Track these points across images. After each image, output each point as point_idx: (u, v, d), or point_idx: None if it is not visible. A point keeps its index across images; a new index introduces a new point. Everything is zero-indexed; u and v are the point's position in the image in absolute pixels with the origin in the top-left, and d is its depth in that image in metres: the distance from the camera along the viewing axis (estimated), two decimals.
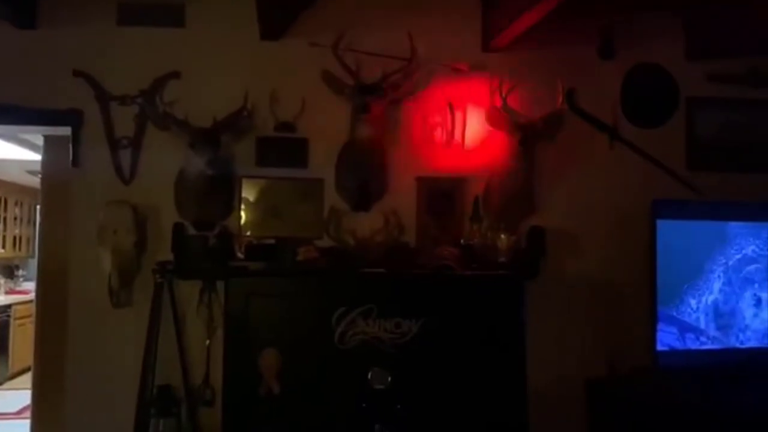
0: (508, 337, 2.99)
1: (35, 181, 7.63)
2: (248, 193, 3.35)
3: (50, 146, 3.85)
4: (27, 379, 7.39)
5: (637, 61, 3.59)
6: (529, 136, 3.23)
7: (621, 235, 3.50)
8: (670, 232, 3.32)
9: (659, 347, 3.27)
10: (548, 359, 3.32)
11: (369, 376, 2.87)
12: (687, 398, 3.17)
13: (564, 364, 3.41)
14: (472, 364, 2.97)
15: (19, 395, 6.73)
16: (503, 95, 3.27)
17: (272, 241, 3.18)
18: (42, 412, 3.79)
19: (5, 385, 7.59)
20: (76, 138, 3.28)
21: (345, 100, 3.26)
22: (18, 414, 6.33)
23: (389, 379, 2.87)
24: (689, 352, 3.37)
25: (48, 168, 3.91)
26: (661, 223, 3.30)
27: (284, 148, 3.37)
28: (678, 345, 3.35)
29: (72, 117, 3.28)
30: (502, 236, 3.23)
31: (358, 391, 2.86)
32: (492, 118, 3.35)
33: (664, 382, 3.27)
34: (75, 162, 3.29)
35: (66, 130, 3.32)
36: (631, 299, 3.47)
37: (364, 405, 2.84)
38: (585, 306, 3.47)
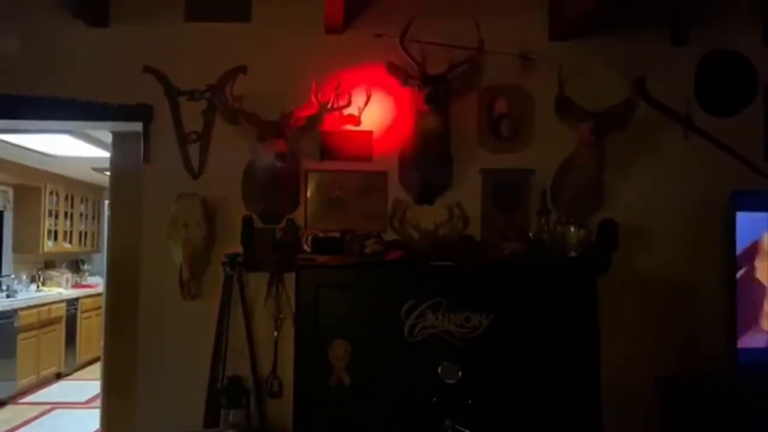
0: (581, 332, 2.92)
1: (101, 179, 7.89)
2: (313, 186, 3.36)
3: (118, 142, 3.93)
4: (93, 369, 7.69)
5: (712, 48, 3.46)
6: (599, 127, 3.13)
7: (696, 228, 3.39)
8: (750, 224, 3.18)
9: (740, 345, 3.14)
10: (618, 355, 3.22)
11: (439, 370, 2.85)
12: (766, 398, 3.03)
13: (635, 360, 3.30)
14: (544, 359, 2.92)
15: (87, 385, 6.99)
16: (571, 84, 3.19)
17: (337, 234, 3.18)
18: (112, 402, 3.88)
19: (73, 376, 7.87)
20: (146, 133, 3.35)
21: (410, 91, 3.22)
22: (87, 403, 6.54)
23: (459, 373, 2.85)
24: None
25: (116, 163, 3.99)
26: (741, 216, 3.16)
27: (349, 142, 3.37)
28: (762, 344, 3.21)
29: (142, 112, 3.35)
30: (572, 230, 3.14)
31: (428, 385, 2.84)
32: (560, 108, 3.27)
33: (744, 380, 3.14)
34: (146, 157, 3.35)
35: (134, 126, 3.39)
36: (708, 295, 3.35)
37: (434, 399, 2.82)
38: (657, 302, 3.36)
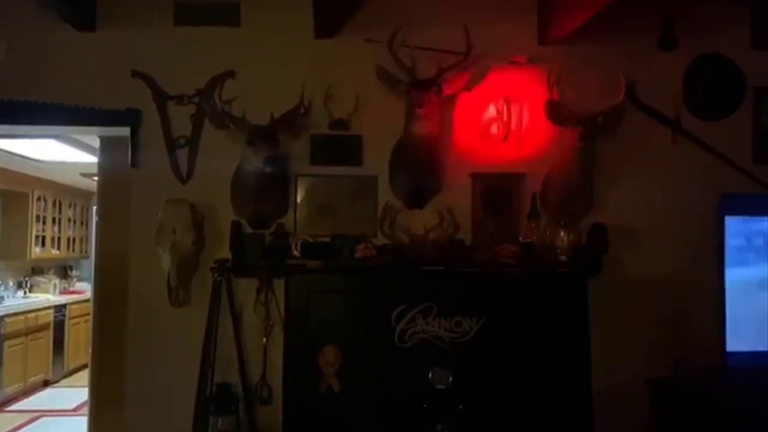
0: (572, 336, 2.92)
1: (89, 184, 7.83)
2: (303, 191, 3.35)
3: (106, 147, 3.90)
4: (82, 376, 7.60)
5: (701, 52, 3.49)
6: (589, 131, 3.13)
7: (685, 231, 3.39)
8: (739, 227, 3.19)
9: (729, 348, 3.15)
10: (609, 357, 3.20)
11: (430, 376, 2.84)
12: (757, 400, 3.03)
13: (626, 362, 3.30)
14: (535, 362, 2.91)
15: (76, 392, 6.92)
16: (561, 89, 3.19)
17: (327, 239, 3.17)
18: (100, 409, 3.83)
19: (61, 383, 7.79)
20: (134, 138, 3.32)
21: (400, 96, 3.22)
22: (75, 411, 6.48)
23: (450, 378, 2.84)
24: (763, 354, 3.22)
25: (104, 168, 3.95)
26: (729, 219, 3.17)
27: (338, 146, 3.36)
28: (751, 347, 3.21)
29: (130, 117, 3.33)
30: (562, 233, 3.15)
31: (419, 391, 2.83)
32: (550, 113, 3.27)
33: (733, 383, 3.14)
34: (134, 162, 3.33)
35: (122, 131, 3.37)
36: (698, 298, 3.35)
37: (425, 405, 2.81)
38: (647, 305, 3.36)
